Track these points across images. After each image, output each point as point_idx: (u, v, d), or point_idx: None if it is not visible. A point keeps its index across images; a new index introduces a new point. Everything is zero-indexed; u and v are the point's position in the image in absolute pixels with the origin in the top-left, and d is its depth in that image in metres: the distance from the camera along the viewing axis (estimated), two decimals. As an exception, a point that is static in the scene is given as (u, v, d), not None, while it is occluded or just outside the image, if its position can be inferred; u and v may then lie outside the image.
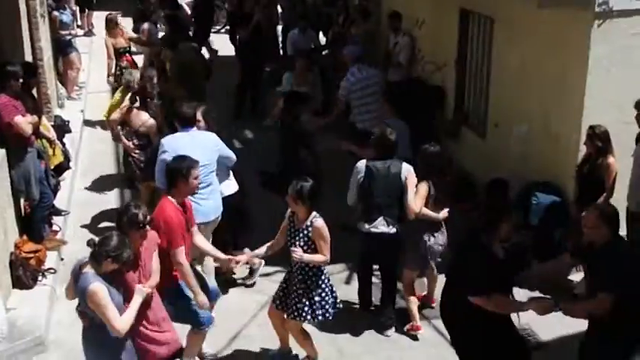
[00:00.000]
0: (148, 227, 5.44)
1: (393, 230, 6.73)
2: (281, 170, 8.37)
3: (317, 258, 6.02)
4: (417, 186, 6.68)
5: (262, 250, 6.37)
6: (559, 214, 7.58)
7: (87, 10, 18.37)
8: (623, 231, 7.40)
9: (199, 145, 6.84)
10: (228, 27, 16.75)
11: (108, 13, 12.75)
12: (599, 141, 7.12)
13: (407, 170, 6.72)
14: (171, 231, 5.78)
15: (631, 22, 7.41)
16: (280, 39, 15.08)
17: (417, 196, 6.65)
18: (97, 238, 5.12)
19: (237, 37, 13.65)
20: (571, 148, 7.65)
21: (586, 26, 7.32)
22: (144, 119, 8.58)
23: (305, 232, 6.03)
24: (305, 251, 6.01)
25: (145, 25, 12.87)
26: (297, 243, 6.04)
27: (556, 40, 7.78)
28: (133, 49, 12.82)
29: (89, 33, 18.01)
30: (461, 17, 9.61)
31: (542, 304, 5.19)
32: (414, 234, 6.79)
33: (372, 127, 7.96)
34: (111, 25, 12.20)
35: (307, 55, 11.45)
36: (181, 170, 5.94)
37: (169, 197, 5.96)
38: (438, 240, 6.84)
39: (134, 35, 13.30)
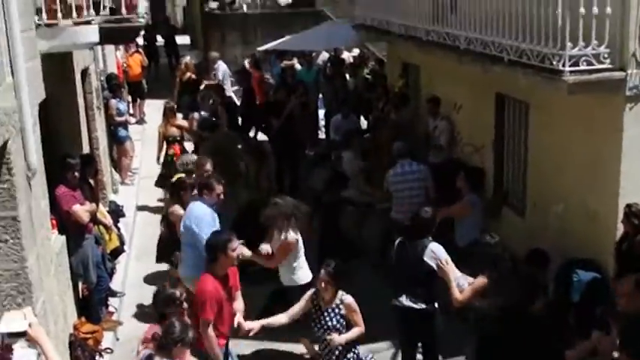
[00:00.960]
0: (184, 304, 5.79)
1: (422, 306, 6.88)
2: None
3: (356, 332, 6.23)
4: (475, 279, 6.79)
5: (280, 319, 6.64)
6: (600, 291, 7.67)
7: (139, 100, 19.19)
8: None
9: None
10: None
11: (165, 101, 13.31)
12: (636, 219, 7.29)
13: (432, 252, 6.85)
14: (202, 303, 6.17)
15: (661, 104, 7.67)
16: (323, 123, 15.62)
17: (469, 288, 6.74)
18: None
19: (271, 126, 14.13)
20: (609, 226, 7.81)
21: (618, 110, 7.55)
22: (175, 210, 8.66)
23: (336, 311, 6.26)
24: (339, 330, 6.20)
25: (195, 115, 13.43)
26: (329, 325, 6.26)
27: (590, 123, 8.00)
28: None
29: (141, 121, 18.75)
30: (497, 101, 9.91)
31: None
32: None
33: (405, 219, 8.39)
34: (167, 113, 12.80)
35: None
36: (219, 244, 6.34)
37: (209, 272, 6.31)
38: None
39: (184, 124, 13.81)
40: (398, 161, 9.82)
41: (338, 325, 6.22)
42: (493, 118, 10.01)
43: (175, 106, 13.57)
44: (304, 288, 7.38)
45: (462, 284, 6.81)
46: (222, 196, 7.84)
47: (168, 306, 5.73)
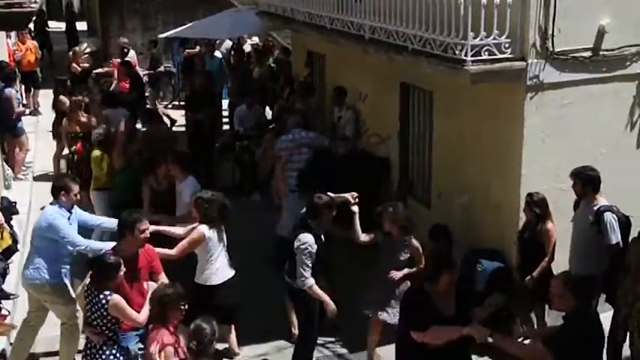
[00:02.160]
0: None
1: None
2: None
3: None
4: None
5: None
6: (503, 280, 7.78)
7: (32, 90, 18.37)
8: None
9: None
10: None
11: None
12: (537, 208, 7.41)
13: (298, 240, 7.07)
14: None
15: (561, 93, 7.79)
16: (227, 114, 15.35)
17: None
18: None
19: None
20: (511, 215, 7.92)
21: (519, 99, 7.67)
22: None
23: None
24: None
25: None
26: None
27: (492, 112, 8.10)
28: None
29: (35, 112, 17.96)
30: (402, 91, 9.92)
31: (479, 330, 5.42)
32: None
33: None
34: (73, 108, 12.42)
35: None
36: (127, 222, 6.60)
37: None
38: None
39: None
40: (291, 130, 9.99)
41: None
42: (398, 108, 10.02)
43: (83, 102, 13.00)
44: (213, 289, 7.24)
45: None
46: (78, 197, 7.57)
47: (163, 305, 5.74)
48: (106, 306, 6.00)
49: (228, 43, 18.10)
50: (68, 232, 7.25)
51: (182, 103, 16.69)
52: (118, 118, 12.06)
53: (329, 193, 7.31)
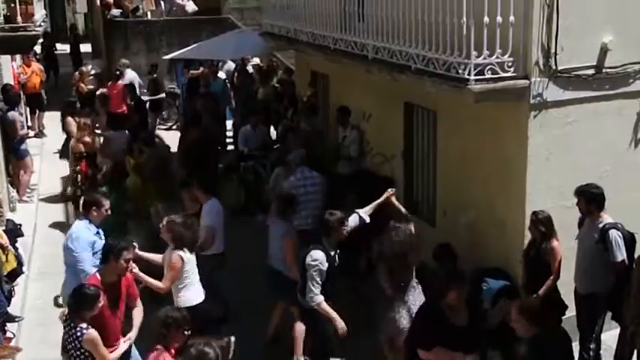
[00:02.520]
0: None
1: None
2: None
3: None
4: None
5: None
6: (509, 298, 7.74)
7: (37, 112, 18.43)
8: (572, 312, 7.66)
9: None
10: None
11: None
12: (542, 226, 7.39)
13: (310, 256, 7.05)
14: None
15: (564, 111, 7.81)
16: (232, 134, 15.37)
17: None
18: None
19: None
20: (517, 233, 7.90)
21: (523, 117, 7.68)
22: None
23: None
24: None
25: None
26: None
27: (496, 130, 8.10)
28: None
29: (40, 134, 18.02)
30: (405, 111, 9.94)
31: None
32: None
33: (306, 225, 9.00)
34: (80, 127, 12.49)
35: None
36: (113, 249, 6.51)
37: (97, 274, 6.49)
38: None
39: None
40: (296, 169, 9.78)
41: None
42: (402, 128, 10.03)
43: (90, 122, 13.11)
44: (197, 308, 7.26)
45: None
46: (109, 211, 7.71)
47: (165, 327, 5.69)
48: (80, 339, 6.01)
49: (230, 65, 18.18)
50: (81, 255, 7.35)
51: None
52: (119, 140, 12.16)
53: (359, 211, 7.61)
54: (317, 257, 6.99)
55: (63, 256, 7.67)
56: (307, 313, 7.32)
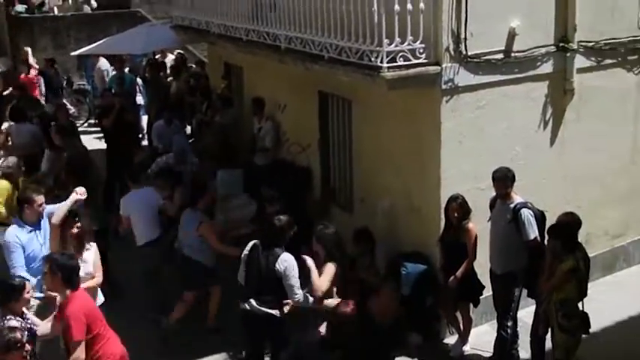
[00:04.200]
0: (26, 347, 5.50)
1: (270, 311, 6.87)
2: None
3: None
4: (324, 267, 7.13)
5: None
6: (428, 282, 7.86)
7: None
8: (488, 292, 7.83)
9: None
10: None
11: None
12: (458, 209, 7.52)
13: (284, 261, 6.82)
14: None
15: (475, 96, 7.96)
16: (145, 130, 15.05)
17: (324, 274, 7.10)
18: None
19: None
20: (433, 218, 8.01)
21: (435, 103, 7.78)
22: None
23: None
24: None
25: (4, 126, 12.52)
26: None
27: (410, 117, 8.19)
28: None
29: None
30: (320, 100, 9.93)
31: None
32: None
33: None
34: None
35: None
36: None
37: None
38: None
39: None
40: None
41: None
42: (317, 117, 10.02)
43: None
44: None
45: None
46: (44, 206, 7.29)
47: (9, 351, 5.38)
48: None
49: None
50: (10, 260, 7.06)
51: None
52: (23, 133, 11.78)
53: None
54: (289, 258, 6.87)
55: None
56: (266, 318, 7.04)
